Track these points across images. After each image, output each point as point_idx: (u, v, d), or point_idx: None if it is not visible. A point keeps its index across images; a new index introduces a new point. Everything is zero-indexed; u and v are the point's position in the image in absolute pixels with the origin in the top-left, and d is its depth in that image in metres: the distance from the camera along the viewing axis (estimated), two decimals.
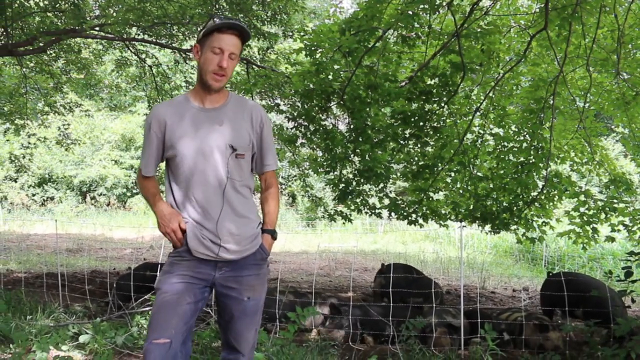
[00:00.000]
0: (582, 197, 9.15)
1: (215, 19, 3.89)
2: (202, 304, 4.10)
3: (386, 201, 10.21)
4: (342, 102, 9.49)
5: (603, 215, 9.08)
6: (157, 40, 14.84)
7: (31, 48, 13.11)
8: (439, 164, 9.83)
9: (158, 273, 9.13)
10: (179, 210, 4.04)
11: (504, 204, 9.57)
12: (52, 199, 37.41)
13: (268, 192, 4.35)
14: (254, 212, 4.20)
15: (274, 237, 4.33)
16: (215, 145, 3.97)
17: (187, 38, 15.13)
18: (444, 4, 8.52)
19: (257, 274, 4.16)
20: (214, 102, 4.08)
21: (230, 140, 4.01)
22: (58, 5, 12.95)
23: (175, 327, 3.90)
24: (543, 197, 9.28)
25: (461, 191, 10.20)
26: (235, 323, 4.14)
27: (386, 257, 19.51)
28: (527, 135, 9.60)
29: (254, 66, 14.33)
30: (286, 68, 13.61)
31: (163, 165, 4.26)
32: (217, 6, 12.61)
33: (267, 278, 4.31)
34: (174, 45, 15.26)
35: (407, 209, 10.21)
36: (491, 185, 9.71)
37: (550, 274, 10.03)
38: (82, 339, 7.36)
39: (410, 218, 10.14)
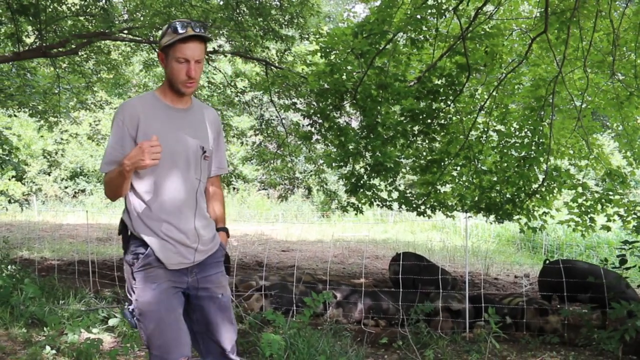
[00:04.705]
0: (579, 190, 9.19)
1: (173, 27, 3.60)
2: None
3: (395, 194, 10.24)
4: (354, 101, 9.53)
5: (599, 206, 9.12)
6: None
7: (64, 50, 13.15)
8: (446, 159, 9.86)
9: None
10: (145, 215, 3.70)
11: (507, 195, 9.59)
12: (83, 191, 37.48)
13: (216, 192, 4.20)
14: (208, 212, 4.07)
15: (228, 235, 4.24)
16: (189, 146, 3.78)
17: (209, 41, 15.16)
18: (450, 8, 8.56)
19: (221, 271, 4.01)
20: (183, 103, 3.84)
21: (201, 142, 3.85)
22: (89, 9, 13.00)
23: (187, 343, 3.73)
24: (543, 189, 9.31)
25: (467, 184, 10.22)
26: (215, 321, 3.91)
27: (396, 245, 19.51)
28: (528, 132, 9.62)
29: (272, 67, 14.37)
30: (302, 69, 13.65)
31: None
32: (237, 10, 12.65)
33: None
34: None
35: (416, 200, 10.26)
36: (495, 178, 9.73)
37: (547, 262, 10.04)
38: (112, 322, 7.45)
39: (419, 209, 10.19)
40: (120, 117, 3.68)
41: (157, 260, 3.67)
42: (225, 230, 4.18)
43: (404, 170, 10.95)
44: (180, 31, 3.57)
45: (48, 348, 6.33)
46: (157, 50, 3.84)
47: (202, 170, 3.87)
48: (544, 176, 9.11)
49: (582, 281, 8.43)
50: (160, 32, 3.74)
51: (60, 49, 13.09)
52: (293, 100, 14.33)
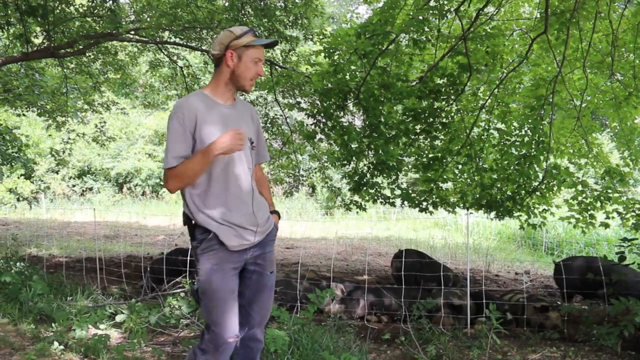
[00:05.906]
0: (579, 187, 9.20)
1: (253, 31, 4.01)
2: None
3: (398, 192, 10.25)
4: (357, 101, 9.53)
5: (599, 204, 9.12)
6: (188, 43, 14.88)
7: (71, 50, 13.17)
8: (448, 157, 9.85)
9: (188, 258, 9.19)
10: (205, 206, 3.96)
11: (508, 192, 9.59)
12: (90, 189, 37.56)
13: (263, 179, 4.54)
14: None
15: (280, 217, 4.61)
16: None
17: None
18: (452, 9, 8.55)
19: (272, 250, 4.38)
20: (230, 99, 4.14)
21: (249, 134, 4.14)
22: (96, 10, 13.01)
23: (237, 322, 4.09)
24: (543, 187, 9.30)
25: (468, 181, 10.22)
26: (260, 296, 4.26)
27: (399, 243, 19.52)
28: (528, 130, 9.61)
29: (277, 67, 14.36)
30: (306, 69, 13.66)
31: None
32: (242, 12, 12.64)
33: None
34: (203, 48, 15.30)
35: (418, 197, 10.26)
36: (495, 176, 9.72)
37: (555, 262, 10.03)
38: (119, 318, 7.45)
39: (421, 206, 10.19)
40: (180, 115, 3.92)
41: (219, 243, 3.97)
42: (277, 213, 4.58)
43: (406, 168, 10.96)
44: (258, 37, 4.04)
45: (56, 344, 6.35)
46: (224, 49, 4.03)
47: (252, 160, 4.22)
48: (543, 174, 9.11)
49: (603, 278, 8.40)
50: (226, 33, 4.05)
51: (68, 50, 13.11)
52: (297, 99, 14.33)
